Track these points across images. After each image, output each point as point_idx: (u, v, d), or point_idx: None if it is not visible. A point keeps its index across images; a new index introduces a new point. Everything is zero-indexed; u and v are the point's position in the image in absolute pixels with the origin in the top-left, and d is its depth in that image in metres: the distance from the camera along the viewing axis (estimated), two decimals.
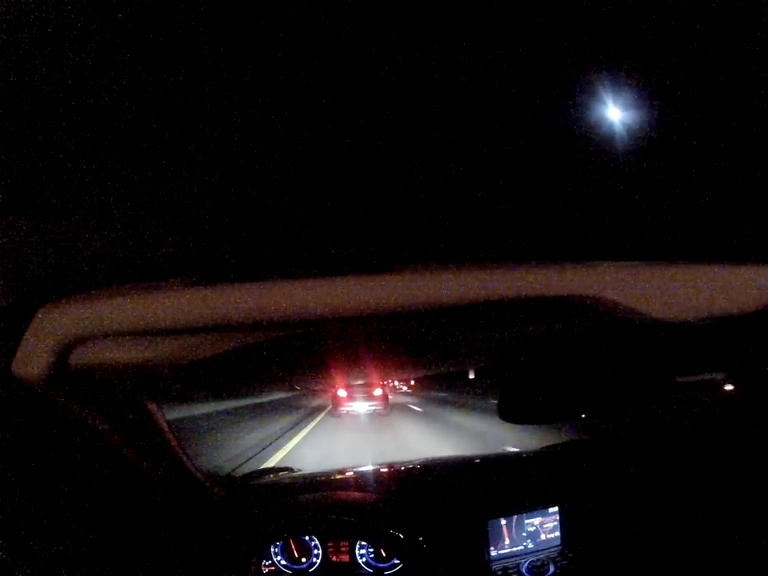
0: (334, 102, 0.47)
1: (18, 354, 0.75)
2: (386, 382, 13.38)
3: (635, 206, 0.64)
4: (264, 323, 0.71)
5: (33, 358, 0.75)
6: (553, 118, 0.51)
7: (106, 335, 0.75)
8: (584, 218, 0.66)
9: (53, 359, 0.75)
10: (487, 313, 0.73)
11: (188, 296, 0.69)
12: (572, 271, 0.69)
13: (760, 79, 0.48)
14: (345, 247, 0.67)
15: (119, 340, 0.77)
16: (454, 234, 0.67)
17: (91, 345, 0.76)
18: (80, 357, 0.77)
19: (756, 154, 0.58)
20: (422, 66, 0.44)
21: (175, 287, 0.69)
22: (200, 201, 0.59)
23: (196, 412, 8.38)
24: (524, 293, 0.68)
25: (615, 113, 0.50)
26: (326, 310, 0.69)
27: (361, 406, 11.36)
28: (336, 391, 11.64)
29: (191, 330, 0.73)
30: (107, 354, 0.78)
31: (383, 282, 0.68)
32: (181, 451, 1.19)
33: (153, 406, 1.06)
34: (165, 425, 1.12)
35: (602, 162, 0.57)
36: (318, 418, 11.18)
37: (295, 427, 9.15)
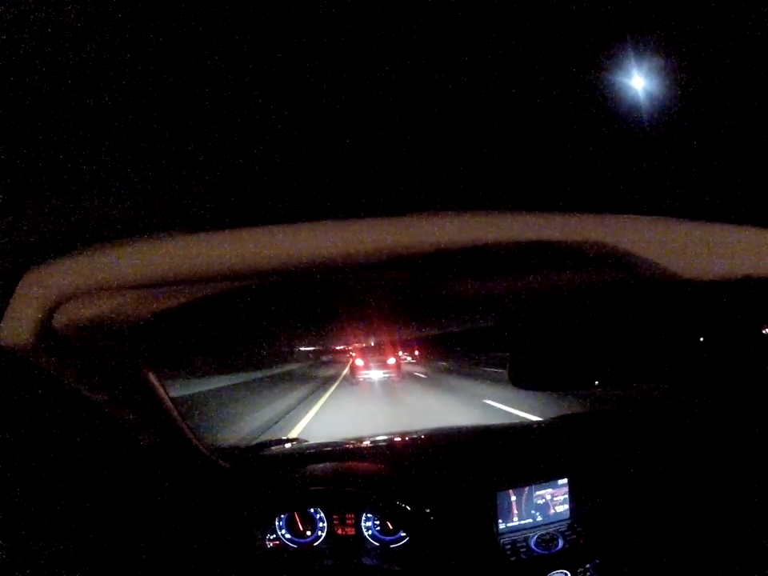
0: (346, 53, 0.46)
1: (5, 323, 0.72)
2: (395, 351, 14.59)
3: (663, 161, 0.62)
4: (263, 272, 0.67)
5: (20, 324, 0.72)
6: (581, 71, 0.50)
7: (94, 293, 0.72)
8: (608, 169, 0.63)
9: (41, 324, 0.73)
10: (503, 259, 0.70)
11: (180, 246, 0.65)
12: (593, 220, 0.65)
13: None
14: (355, 190, 0.64)
15: (108, 297, 0.74)
16: (473, 179, 0.63)
17: (79, 304, 0.74)
18: (68, 319, 0.75)
19: None
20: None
21: (165, 238, 0.65)
22: (189, 147, 0.56)
23: (205, 388, 8.54)
24: (542, 239, 0.65)
25: (647, 74, 0.50)
26: (334, 255, 0.65)
27: (376, 374, 12.62)
28: (354, 361, 13.21)
29: (183, 282, 0.70)
30: (96, 312, 0.76)
31: (396, 227, 0.64)
32: (182, 421, 1.17)
33: (150, 374, 1.03)
34: (163, 393, 1.09)
35: (632, 118, 0.55)
36: (331, 390, 11.50)
37: (306, 400, 9.31)
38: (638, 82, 0.50)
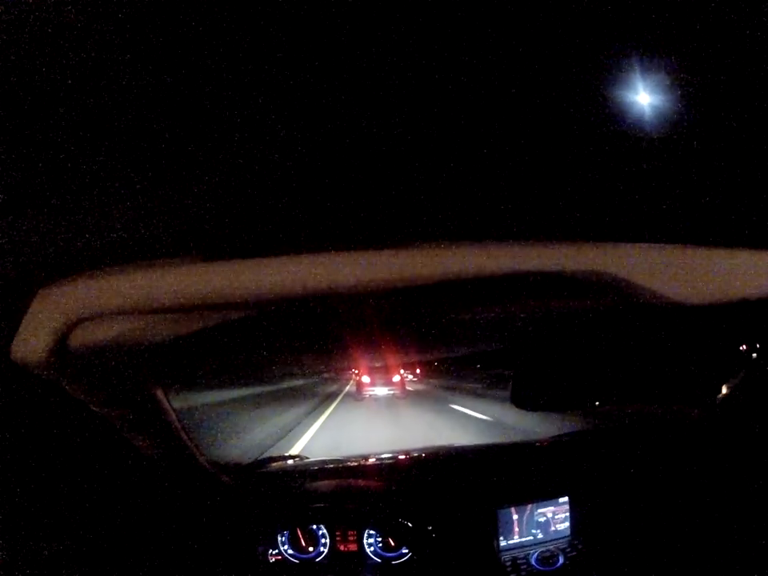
0: (338, 74, 0.46)
1: (17, 338, 0.74)
2: (402, 371, 15.21)
3: (658, 188, 0.63)
4: (272, 300, 0.69)
5: (32, 340, 0.74)
6: (579, 96, 0.50)
7: (106, 314, 0.73)
8: (605, 198, 0.65)
9: (53, 341, 0.74)
10: (503, 287, 0.72)
11: (191, 273, 0.67)
12: (591, 250, 0.67)
13: None
14: (359, 222, 0.65)
15: (120, 320, 0.76)
16: (474, 211, 0.65)
17: (91, 325, 0.75)
18: (80, 338, 0.76)
19: None
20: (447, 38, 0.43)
21: (178, 264, 0.68)
22: (203, 177, 0.58)
23: (209, 400, 8.49)
24: (542, 269, 0.67)
25: (644, 96, 0.50)
26: (339, 285, 0.67)
27: (381, 390, 13.16)
28: (360, 378, 13.80)
29: (193, 308, 0.72)
30: (108, 334, 0.77)
31: (399, 258, 0.66)
32: (187, 437, 1.19)
33: (157, 391, 1.05)
34: (170, 410, 1.11)
35: (625, 143, 0.55)
36: (333, 405, 11.66)
37: (311, 414, 9.30)
38: (637, 108, 0.51)
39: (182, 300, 0.69)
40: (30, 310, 0.71)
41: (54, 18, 0.37)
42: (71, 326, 0.73)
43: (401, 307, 0.78)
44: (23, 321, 0.72)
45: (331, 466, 1.59)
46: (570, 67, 0.47)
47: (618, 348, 1.09)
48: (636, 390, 1.15)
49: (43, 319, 0.72)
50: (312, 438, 6.69)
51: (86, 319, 0.73)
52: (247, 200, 0.61)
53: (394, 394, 12.98)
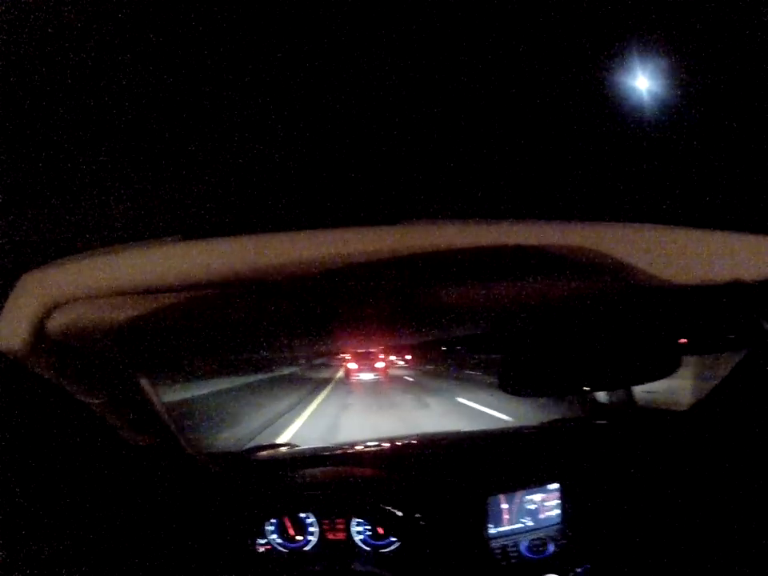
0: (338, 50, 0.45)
1: (0, 325, 0.72)
2: (384, 357, 18.46)
3: (650, 168, 0.63)
4: (259, 278, 0.67)
5: (16, 327, 0.72)
6: (569, 74, 0.50)
7: (86, 299, 0.71)
8: (596, 177, 0.64)
9: (36, 327, 0.72)
10: (493, 267, 0.71)
11: (173, 253, 0.65)
12: (583, 228, 0.66)
13: None
14: (341, 200, 0.64)
15: (101, 304, 0.74)
16: (465, 188, 0.64)
17: (75, 309, 0.73)
18: (64, 323, 0.74)
19: None
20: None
21: (160, 245, 0.66)
22: (181, 155, 0.56)
23: (199, 392, 8.55)
24: (532, 247, 0.65)
25: (636, 76, 0.49)
26: (324, 264, 0.65)
27: (366, 376, 15.70)
28: (347, 365, 16.43)
29: (177, 289, 0.70)
30: (88, 319, 0.75)
31: (387, 235, 0.64)
32: (174, 426, 1.17)
33: (141, 378, 1.04)
34: (156, 398, 1.09)
35: (615, 122, 0.56)
36: (326, 392, 12.07)
37: (303, 401, 9.40)
38: (633, 90, 0.50)
39: (166, 281, 0.67)
40: (12, 296, 0.69)
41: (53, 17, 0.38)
42: (54, 310, 0.72)
43: (387, 288, 0.76)
44: (5, 307, 0.70)
45: (320, 454, 1.58)
46: (556, 45, 0.46)
47: (609, 332, 1.07)
48: (628, 375, 1.13)
49: (26, 304, 0.70)
50: (303, 424, 6.73)
51: (70, 302, 0.71)
52: (232, 177, 0.60)
53: (378, 378, 15.38)
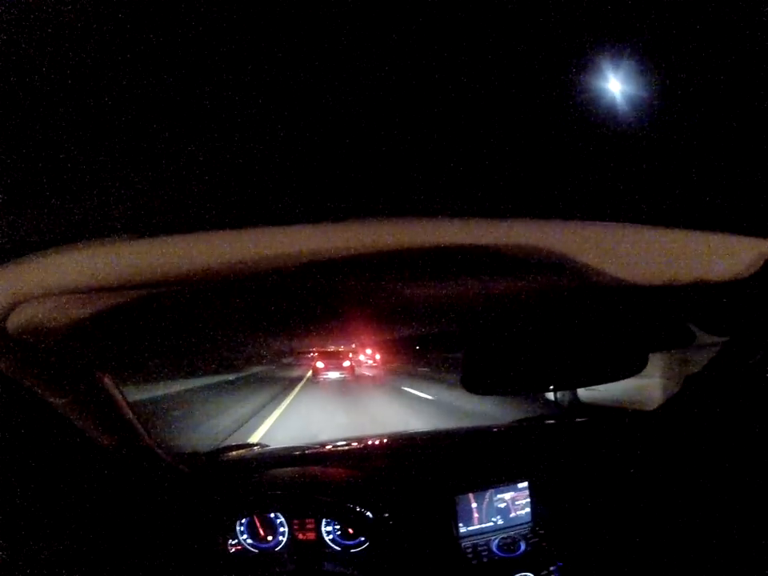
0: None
1: None
2: (351, 355, 19.40)
3: (614, 166, 0.63)
4: (223, 274, 0.66)
5: None
6: (540, 72, 0.50)
7: (44, 297, 0.69)
8: (559, 175, 0.64)
9: None
10: (453, 266, 0.71)
11: (134, 250, 0.64)
12: (546, 227, 0.66)
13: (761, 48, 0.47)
14: (309, 196, 0.62)
15: (63, 301, 0.72)
16: (428, 184, 0.63)
17: (34, 308, 0.71)
18: (23, 321, 0.73)
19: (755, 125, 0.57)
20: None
21: (120, 242, 0.64)
22: (144, 148, 0.54)
23: (168, 391, 8.41)
24: (496, 245, 0.66)
25: (615, 83, 0.50)
26: (282, 262, 0.64)
27: (333, 374, 16.12)
28: (315, 364, 16.70)
29: (141, 286, 0.68)
30: (51, 316, 0.74)
31: (350, 232, 0.63)
32: (140, 426, 1.14)
33: (105, 378, 1.01)
34: (121, 397, 1.07)
35: (581, 120, 0.55)
36: (296, 390, 12.09)
37: (274, 400, 9.36)
38: (598, 85, 0.50)
39: (123, 279, 0.65)
40: None
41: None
42: (13, 309, 0.70)
43: (351, 285, 0.76)
44: None
45: (289, 453, 1.56)
46: (541, 45, 0.46)
47: (573, 332, 1.08)
48: (591, 374, 1.14)
49: None
50: (273, 424, 6.67)
51: (29, 300, 0.69)
52: (192, 170, 0.58)
53: (345, 377, 16.01)
